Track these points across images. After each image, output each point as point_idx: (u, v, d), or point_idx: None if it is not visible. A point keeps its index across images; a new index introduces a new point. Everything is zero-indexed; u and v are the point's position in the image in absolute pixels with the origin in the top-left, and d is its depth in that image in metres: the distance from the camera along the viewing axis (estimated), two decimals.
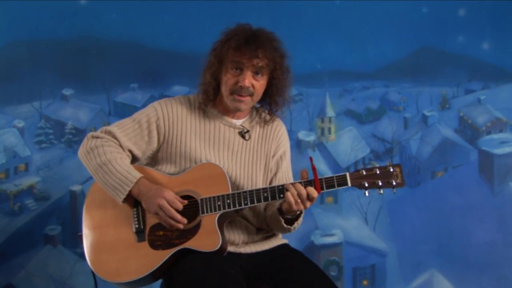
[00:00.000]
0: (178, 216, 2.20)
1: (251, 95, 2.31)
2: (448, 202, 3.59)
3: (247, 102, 2.33)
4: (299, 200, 2.18)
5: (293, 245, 2.50)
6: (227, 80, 2.30)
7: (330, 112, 3.63)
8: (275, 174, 2.46)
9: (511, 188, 3.58)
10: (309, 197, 2.18)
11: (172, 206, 2.20)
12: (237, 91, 2.29)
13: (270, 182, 2.45)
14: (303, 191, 2.17)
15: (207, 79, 2.34)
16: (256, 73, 2.29)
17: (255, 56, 2.25)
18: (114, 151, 2.28)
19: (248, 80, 2.27)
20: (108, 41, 3.46)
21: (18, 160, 3.46)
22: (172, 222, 2.21)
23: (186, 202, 2.23)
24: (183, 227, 2.22)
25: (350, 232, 3.59)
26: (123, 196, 2.23)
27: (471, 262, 3.56)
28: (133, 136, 2.35)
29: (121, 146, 2.33)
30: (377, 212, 3.60)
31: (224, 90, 2.32)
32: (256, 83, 2.30)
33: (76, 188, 3.46)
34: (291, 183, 2.21)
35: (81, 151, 2.33)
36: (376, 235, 3.61)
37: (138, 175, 2.25)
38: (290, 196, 2.18)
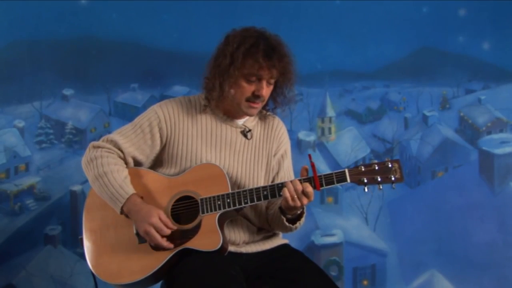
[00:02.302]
0: (164, 244, 2.19)
1: (263, 101, 2.34)
2: (449, 202, 3.59)
3: (259, 108, 2.36)
4: (295, 196, 2.18)
5: (294, 245, 2.50)
6: (243, 89, 2.29)
7: (330, 112, 3.63)
8: (277, 173, 2.47)
9: (511, 188, 3.58)
10: (304, 192, 2.18)
11: (159, 233, 2.19)
12: (253, 99, 2.31)
13: (272, 182, 2.45)
14: (299, 186, 2.18)
15: (223, 87, 2.30)
16: (269, 82, 2.31)
17: (273, 68, 2.27)
18: (111, 163, 2.28)
19: (265, 90, 2.30)
20: (108, 41, 3.47)
21: (19, 160, 3.46)
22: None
23: (175, 227, 2.22)
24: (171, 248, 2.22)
25: (350, 232, 3.60)
26: (118, 211, 2.25)
27: (472, 262, 3.56)
28: (136, 142, 2.35)
29: (123, 153, 2.33)
30: (377, 212, 3.60)
31: (238, 97, 2.31)
32: (267, 90, 2.32)
33: (77, 188, 3.46)
34: (290, 180, 2.21)
35: (83, 161, 2.34)
36: (376, 235, 3.61)
37: (130, 191, 2.24)
38: (286, 191, 2.19)
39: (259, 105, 2.34)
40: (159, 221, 2.19)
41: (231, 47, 2.28)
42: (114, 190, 2.23)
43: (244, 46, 2.27)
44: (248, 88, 2.30)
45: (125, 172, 2.30)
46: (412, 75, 3.63)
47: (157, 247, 2.23)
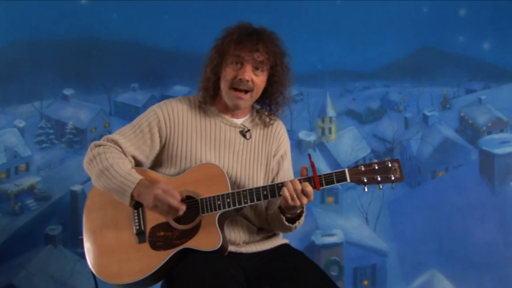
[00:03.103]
0: (175, 203, 2.18)
1: (251, 90, 2.32)
2: (449, 202, 3.59)
3: (246, 99, 2.34)
4: (295, 195, 2.18)
5: (294, 245, 2.50)
6: (227, 74, 2.30)
7: (330, 112, 3.63)
8: (277, 174, 2.47)
9: (511, 188, 3.58)
10: (304, 192, 2.18)
11: (168, 195, 2.18)
12: (236, 84, 2.29)
13: (272, 182, 2.45)
14: (298, 186, 2.18)
15: (207, 74, 2.34)
16: (256, 68, 2.30)
17: (255, 50, 2.26)
18: (115, 157, 2.29)
19: (248, 73, 2.28)
20: (108, 41, 3.46)
21: (19, 160, 3.46)
22: (172, 210, 2.19)
23: (183, 195, 2.22)
24: (182, 212, 2.21)
25: (350, 232, 3.60)
26: (128, 200, 2.23)
27: (472, 262, 3.56)
28: (135, 142, 2.35)
29: (124, 152, 2.33)
30: (377, 212, 3.60)
31: (224, 85, 2.32)
32: (256, 78, 2.30)
33: (77, 188, 3.46)
34: (290, 180, 2.21)
35: (85, 160, 2.35)
36: (377, 235, 3.61)
37: (139, 177, 2.25)
38: (286, 191, 2.18)
39: (245, 96, 2.32)
40: (167, 186, 2.18)
41: (219, 37, 2.33)
42: (123, 178, 2.23)
43: (228, 32, 2.30)
44: (231, 73, 2.30)
45: (129, 164, 2.31)
46: (412, 75, 3.63)
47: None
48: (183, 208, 2.20)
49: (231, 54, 2.28)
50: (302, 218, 2.35)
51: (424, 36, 3.60)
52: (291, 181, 2.20)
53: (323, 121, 3.63)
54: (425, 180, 3.63)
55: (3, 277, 3.41)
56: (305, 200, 2.19)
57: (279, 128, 2.50)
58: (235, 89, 2.31)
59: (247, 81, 2.29)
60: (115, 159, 2.28)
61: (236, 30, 2.29)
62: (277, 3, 3.51)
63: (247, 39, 2.26)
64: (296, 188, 2.18)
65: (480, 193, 3.58)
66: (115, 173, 2.24)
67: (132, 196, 2.23)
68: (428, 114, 3.65)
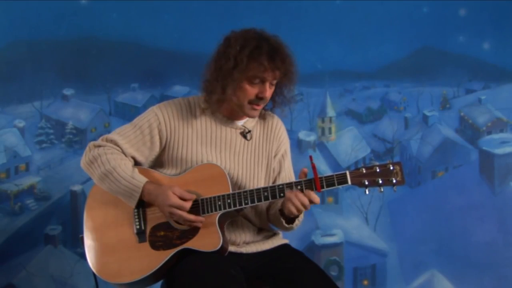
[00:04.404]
0: (191, 217, 2.20)
1: (265, 102, 2.33)
2: (449, 202, 3.59)
3: (260, 110, 2.36)
4: (301, 207, 2.20)
5: (294, 245, 2.50)
6: (247, 92, 2.27)
7: (330, 112, 3.63)
8: (279, 173, 2.47)
9: (511, 188, 3.58)
10: (312, 203, 2.20)
11: (182, 209, 2.20)
12: (256, 101, 2.29)
13: (274, 182, 2.46)
14: (305, 201, 2.18)
15: (216, 89, 2.28)
16: (271, 83, 2.30)
17: (276, 70, 2.25)
18: (117, 158, 2.29)
19: (269, 92, 2.29)
20: (108, 41, 3.46)
21: (19, 160, 3.46)
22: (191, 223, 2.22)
23: (194, 196, 2.23)
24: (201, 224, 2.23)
25: (350, 232, 3.60)
26: (135, 203, 2.25)
27: (472, 262, 3.56)
28: (135, 143, 2.35)
29: (123, 153, 2.33)
30: (377, 212, 3.60)
31: (241, 100, 2.29)
32: (270, 91, 2.31)
33: (77, 188, 3.46)
34: (290, 191, 2.21)
35: (84, 160, 2.34)
36: (377, 235, 3.61)
37: (143, 180, 2.25)
38: (292, 206, 2.19)
39: (261, 107, 2.33)
40: (177, 199, 2.20)
41: (233, 49, 2.24)
42: (127, 182, 2.23)
43: (247, 48, 2.23)
44: (252, 91, 2.27)
45: (131, 165, 2.31)
46: (412, 75, 3.63)
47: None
48: (201, 220, 2.22)
49: (254, 75, 2.24)
50: (301, 217, 2.38)
51: (424, 36, 3.60)
52: (296, 196, 2.19)
53: (323, 121, 3.63)
54: (425, 180, 3.63)
55: (3, 277, 3.40)
56: (309, 206, 2.21)
57: (279, 127, 2.50)
58: (254, 104, 2.30)
59: (268, 98, 2.31)
60: (117, 161, 2.28)
61: (256, 48, 2.23)
62: (277, 3, 3.51)
63: (271, 61, 2.22)
64: (304, 203, 2.19)
65: (480, 193, 3.58)
66: (118, 176, 2.25)
67: (139, 199, 2.25)
68: (428, 114, 3.66)
